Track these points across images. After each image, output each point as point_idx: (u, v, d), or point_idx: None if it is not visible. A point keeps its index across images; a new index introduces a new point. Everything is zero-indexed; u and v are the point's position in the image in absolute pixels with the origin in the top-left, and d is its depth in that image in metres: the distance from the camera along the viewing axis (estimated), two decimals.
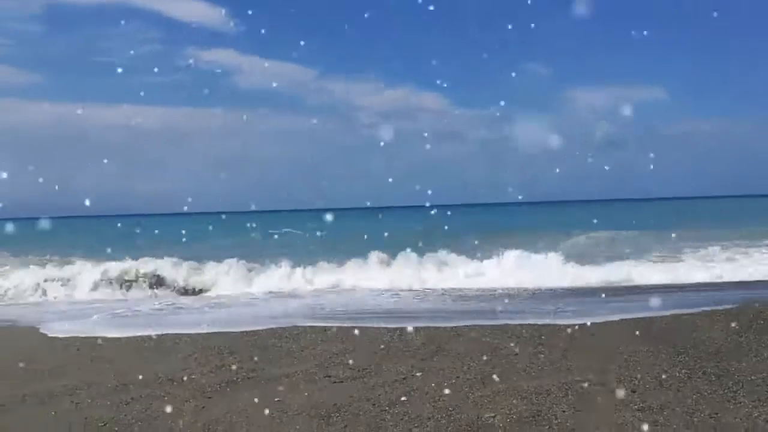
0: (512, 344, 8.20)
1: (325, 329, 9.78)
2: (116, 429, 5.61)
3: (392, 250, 19.04)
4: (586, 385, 6.29)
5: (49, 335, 10.41)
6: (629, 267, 16.60)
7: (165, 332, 10.28)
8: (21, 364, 8.00)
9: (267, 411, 5.91)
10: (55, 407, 6.28)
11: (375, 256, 18.50)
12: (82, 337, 10.04)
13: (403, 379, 6.80)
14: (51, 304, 16.15)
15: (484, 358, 7.52)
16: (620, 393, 5.97)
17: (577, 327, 9.16)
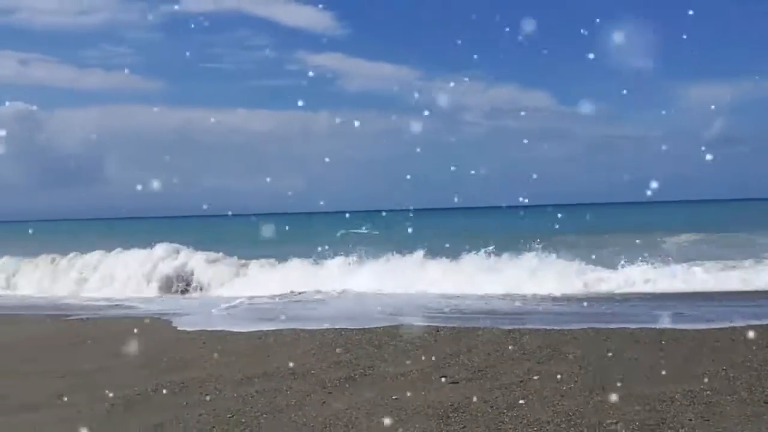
0: (631, 349, 7.94)
1: (437, 329, 9.78)
2: (243, 421, 5.81)
3: (499, 250, 18.79)
4: (711, 393, 6.00)
5: (179, 328, 10.94)
6: (746, 270, 15.69)
7: (283, 327, 10.61)
8: (156, 356, 8.45)
9: (385, 409, 5.98)
10: (187, 398, 6.58)
11: (481, 256, 18.29)
12: (208, 331, 10.50)
13: (520, 382, 6.70)
14: (183, 298, 16.97)
15: (603, 362, 7.32)
16: (751, 404, 5.66)
17: (699, 332, 8.77)
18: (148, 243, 20.40)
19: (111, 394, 6.75)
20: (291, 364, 7.77)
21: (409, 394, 6.42)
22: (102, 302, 16.21)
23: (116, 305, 15.33)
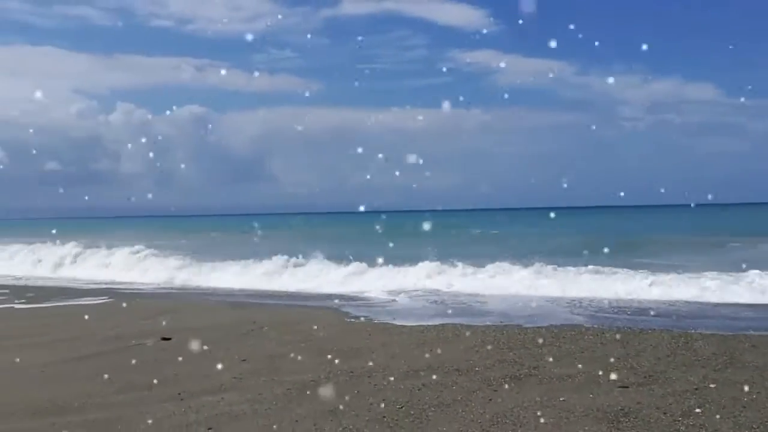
0: None
1: (602, 331, 9.46)
2: (412, 413, 5.91)
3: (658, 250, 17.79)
4: None
5: (346, 320, 11.32)
6: None
7: (444, 323, 10.69)
8: (327, 345, 8.80)
9: (552, 410, 5.86)
10: (357, 386, 6.79)
11: (644, 257, 17.43)
12: (373, 323, 10.79)
13: (695, 389, 6.33)
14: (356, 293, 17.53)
15: None
16: None
17: None
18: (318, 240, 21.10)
19: (288, 379, 7.12)
20: (455, 359, 7.82)
21: (576, 396, 6.26)
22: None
23: (291, 295, 16.12)
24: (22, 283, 20.70)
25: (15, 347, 9.20)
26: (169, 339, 9.46)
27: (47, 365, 8.09)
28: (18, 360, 8.33)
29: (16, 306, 13.56)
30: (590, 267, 16.53)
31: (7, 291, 16.96)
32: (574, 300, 13.75)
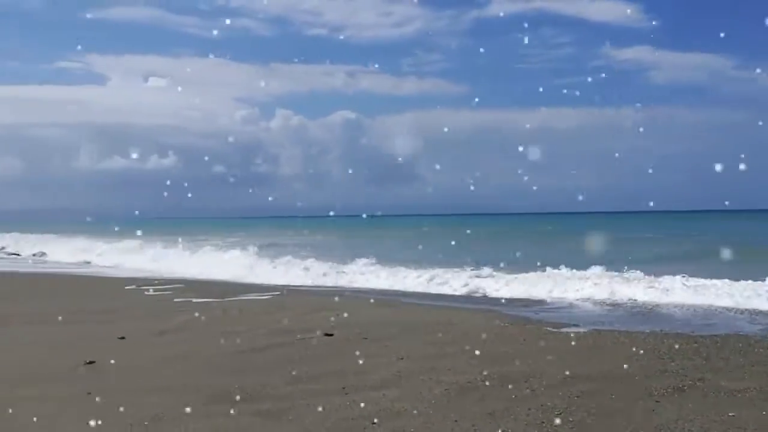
0: None
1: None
2: (570, 420, 5.84)
3: None
4: None
5: (501, 323, 11.29)
6: None
7: (602, 329, 10.41)
8: (482, 347, 8.83)
9: (721, 425, 5.58)
10: (514, 391, 6.78)
11: None
12: (526, 328, 10.70)
13: None
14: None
15: None
16: None
17: None
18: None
19: (444, 379, 7.24)
20: (612, 367, 7.62)
21: (747, 412, 5.92)
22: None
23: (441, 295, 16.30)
24: (193, 279, 22.35)
25: (194, 338, 10.00)
26: (331, 335, 9.89)
27: (224, 355, 8.73)
28: (198, 349, 9.05)
29: (194, 300, 14.66)
30: None
31: (181, 286, 18.34)
32: (748, 311, 12.84)
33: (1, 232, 57.79)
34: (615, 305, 13.96)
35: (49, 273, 25.01)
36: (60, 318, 11.46)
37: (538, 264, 18.55)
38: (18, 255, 39.24)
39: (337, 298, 14.55)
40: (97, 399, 6.69)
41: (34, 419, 6.06)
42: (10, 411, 6.29)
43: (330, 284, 20.02)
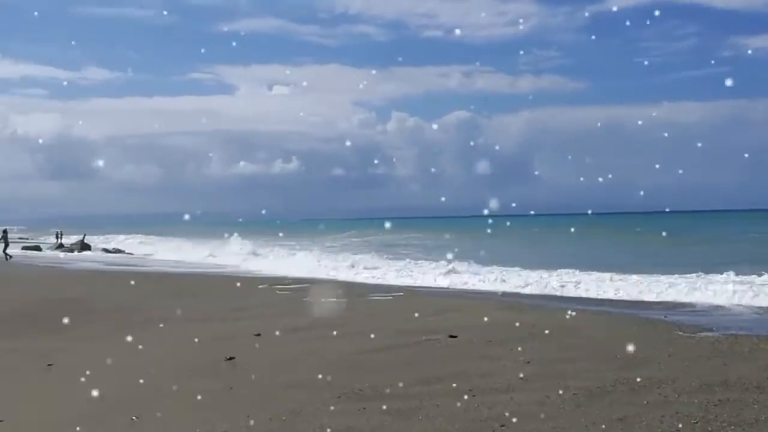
0: None
1: None
2: (709, 429, 5.62)
3: None
4: None
5: (631, 327, 10.97)
6: None
7: (738, 334, 9.93)
8: (611, 351, 8.64)
9: None
10: (646, 397, 6.59)
11: None
12: (659, 331, 10.35)
13: None
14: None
15: None
16: None
17: None
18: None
19: (573, 384, 7.15)
20: (753, 376, 7.25)
21: None
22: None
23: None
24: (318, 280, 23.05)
25: (325, 336, 10.36)
26: (455, 337, 9.97)
27: (353, 353, 9.01)
28: (328, 347, 9.39)
29: (322, 300, 15.16)
30: None
31: (308, 285, 18.98)
32: None
33: (137, 233, 61.83)
34: (752, 310, 13.22)
35: (185, 273, 26.55)
36: (201, 316, 12.20)
37: (667, 265, 17.84)
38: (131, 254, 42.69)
39: (459, 300, 14.62)
40: (238, 393, 7.11)
41: (185, 411, 6.53)
42: (163, 402, 6.81)
43: (451, 285, 20.09)
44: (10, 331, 10.11)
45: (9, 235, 35.32)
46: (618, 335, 10.02)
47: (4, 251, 31.82)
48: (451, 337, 9.97)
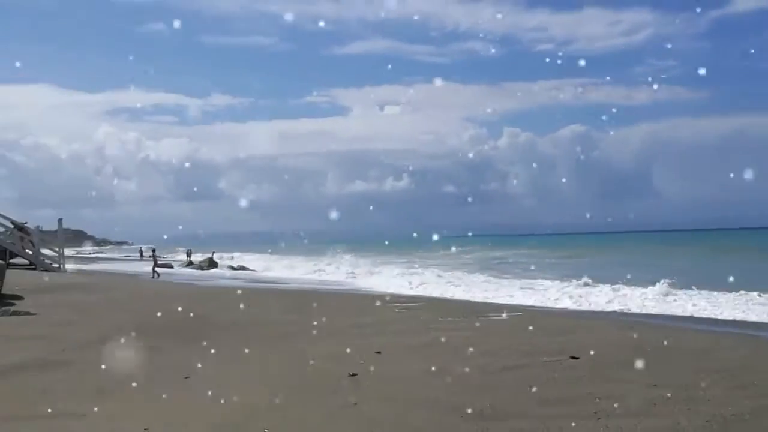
0: None
1: None
2: None
3: None
4: None
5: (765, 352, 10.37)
6: None
7: None
8: (750, 377, 8.19)
9: None
10: None
11: None
12: None
13: None
14: None
15: None
16: None
17: None
18: None
19: (704, 410, 6.83)
20: None
21: None
22: None
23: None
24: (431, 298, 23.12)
25: (444, 354, 10.40)
26: (577, 358, 9.75)
27: (473, 373, 8.99)
28: (448, 366, 9.42)
29: (440, 318, 15.21)
30: None
31: (424, 303, 19.10)
32: None
33: (259, 250, 64.23)
34: None
35: (304, 290, 27.36)
36: (321, 332, 12.54)
37: None
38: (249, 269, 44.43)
39: (580, 320, 14.27)
40: (362, 409, 7.28)
41: (313, 425, 6.76)
42: (291, 416, 7.08)
43: (570, 305, 19.64)
44: (149, 344, 10.80)
45: (151, 254, 38.01)
46: (758, 361, 9.49)
47: (153, 269, 34.03)
48: (573, 358, 9.76)
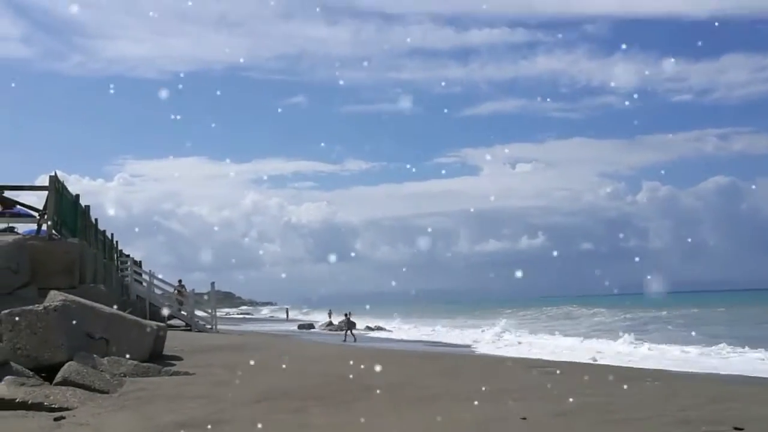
0: None
1: None
2: None
3: None
4: None
5: None
6: None
7: None
8: None
9: None
10: None
11: None
12: None
13: None
14: None
15: None
16: None
17: None
18: None
19: None
20: None
21: None
22: None
23: None
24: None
25: (593, 422, 9.92)
26: (741, 429, 8.98)
27: None
28: None
29: (585, 379, 14.58)
30: None
31: (564, 368, 18.39)
32: None
33: (395, 311, 64.68)
34: None
35: (444, 352, 27.16)
36: (466, 395, 12.35)
37: None
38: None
39: (738, 386, 13.20)
40: None
41: None
42: None
43: (719, 368, 18.25)
44: (298, 405, 11.07)
45: (346, 318, 38.98)
46: None
47: (351, 333, 35.31)
48: (737, 429, 9.00)
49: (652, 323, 43.26)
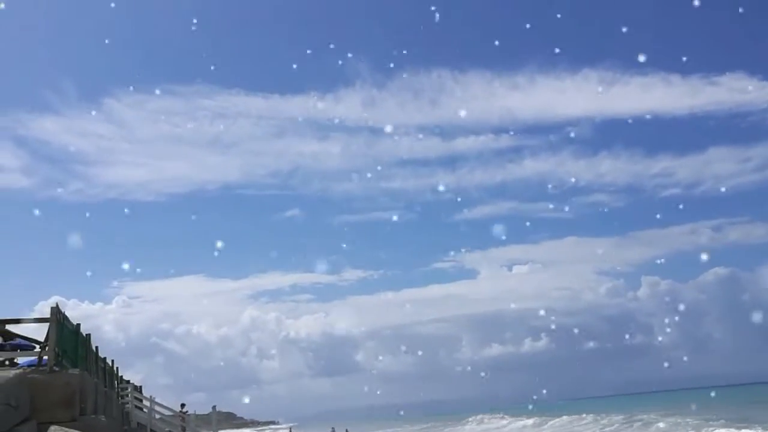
0: None
1: None
2: None
3: None
4: None
5: None
6: None
7: None
8: None
9: None
10: None
11: None
12: None
13: None
14: None
15: None
16: None
17: None
18: None
19: None
20: None
21: None
22: None
23: None
24: None
25: None
26: None
27: None
28: None
29: None
30: None
31: None
32: None
33: (397, 425, 62.10)
34: None
35: None
36: None
37: None
38: None
39: None
40: None
41: None
42: None
43: None
44: None
45: None
46: None
47: None
48: None
49: (678, 423, 41.36)
